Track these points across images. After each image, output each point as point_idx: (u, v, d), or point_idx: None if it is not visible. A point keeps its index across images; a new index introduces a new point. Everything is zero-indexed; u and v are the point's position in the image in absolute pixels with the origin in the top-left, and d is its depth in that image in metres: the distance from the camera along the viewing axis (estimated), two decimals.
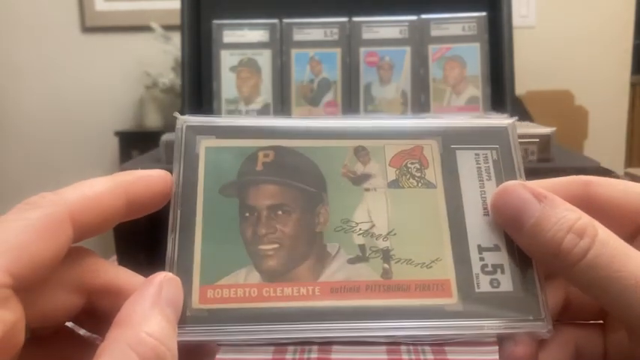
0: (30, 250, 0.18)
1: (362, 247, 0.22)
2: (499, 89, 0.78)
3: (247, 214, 0.22)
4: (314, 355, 0.44)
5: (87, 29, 2.10)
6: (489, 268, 0.22)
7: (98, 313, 0.21)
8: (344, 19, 0.79)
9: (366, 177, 0.23)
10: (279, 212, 0.22)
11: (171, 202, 0.22)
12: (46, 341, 0.21)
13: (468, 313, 0.21)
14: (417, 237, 0.22)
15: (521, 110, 1.42)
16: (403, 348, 0.44)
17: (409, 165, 0.24)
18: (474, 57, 0.78)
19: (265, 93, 0.79)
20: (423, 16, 0.78)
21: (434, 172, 0.23)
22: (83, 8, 2.08)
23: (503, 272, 0.22)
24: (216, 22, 0.80)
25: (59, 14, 2.09)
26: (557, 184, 0.23)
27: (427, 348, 0.44)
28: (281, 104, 0.79)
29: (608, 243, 0.20)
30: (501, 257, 0.22)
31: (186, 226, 0.22)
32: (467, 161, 0.24)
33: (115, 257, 0.51)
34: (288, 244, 0.22)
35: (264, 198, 0.22)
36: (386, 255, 0.22)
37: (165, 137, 0.50)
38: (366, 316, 0.21)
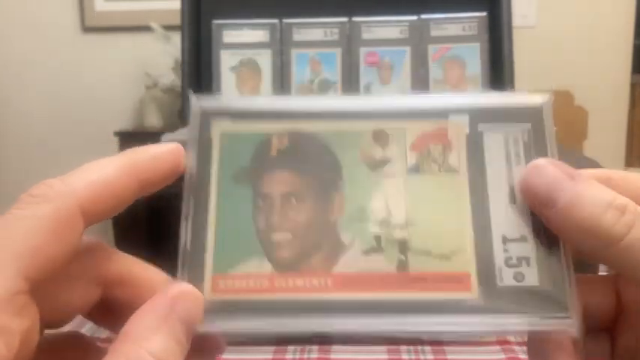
0: (44, 251, 0.17)
1: (378, 237, 0.21)
2: (499, 89, 0.78)
3: (261, 202, 0.21)
4: (314, 355, 0.44)
5: (87, 29, 2.10)
6: (514, 261, 0.20)
7: (114, 306, 0.21)
8: (344, 19, 0.79)
9: (384, 162, 0.22)
10: (293, 200, 0.22)
11: (184, 187, 0.22)
12: (57, 347, 0.21)
13: (489, 308, 0.20)
14: (437, 227, 0.21)
15: None
16: (403, 348, 0.45)
17: (431, 149, 0.22)
18: (474, 57, 0.78)
19: (265, 93, 0.79)
20: (423, 16, 0.78)
21: (458, 156, 0.22)
22: (83, 8, 2.08)
23: (529, 265, 0.20)
24: (216, 22, 0.80)
25: (59, 14, 2.09)
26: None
27: (427, 348, 0.44)
28: None
29: None
30: (528, 249, 0.21)
31: (199, 214, 0.21)
32: (495, 144, 0.22)
33: None
34: (302, 234, 0.21)
35: (277, 185, 0.22)
36: (403, 246, 0.21)
37: (166, 137, 0.50)
38: (381, 310, 0.20)
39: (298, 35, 0.79)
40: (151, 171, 0.20)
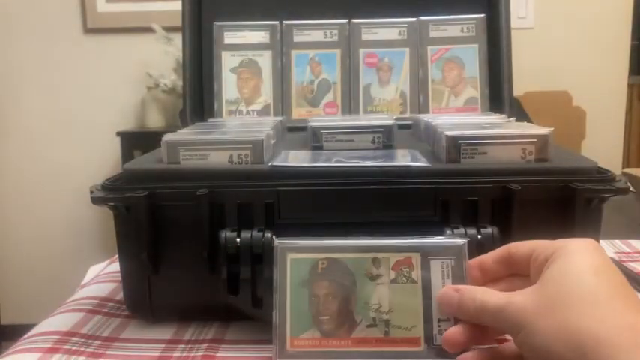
0: None
1: (374, 318, 0.39)
2: (497, 90, 0.78)
3: (313, 298, 0.40)
4: None
5: (89, 30, 2.11)
6: (443, 331, 0.38)
7: None
8: (344, 21, 0.79)
9: (378, 276, 0.40)
10: (330, 298, 0.40)
11: (273, 290, 0.40)
12: None
13: (430, 355, 0.38)
14: (405, 313, 0.39)
15: (519, 111, 1.42)
16: None
17: (403, 269, 0.40)
18: (472, 58, 0.79)
19: (266, 94, 0.80)
20: (422, 18, 0.79)
21: (417, 273, 0.40)
22: (85, 10, 2.08)
23: None
24: (217, 23, 0.80)
25: (61, 16, 2.10)
26: (490, 254, 0.39)
27: None
28: (281, 105, 0.79)
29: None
30: (450, 324, 0.38)
31: (282, 305, 0.40)
32: (436, 266, 0.40)
33: (116, 256, 0.51)
34: (335, 316, 0.40)
35: (321, 289, 0.40)
36: (387, 323, 0.39)
37: (167, 137, 0.50)
38: (376, 356, 0.39)
39: (298, 37, 0.80)
40: None
